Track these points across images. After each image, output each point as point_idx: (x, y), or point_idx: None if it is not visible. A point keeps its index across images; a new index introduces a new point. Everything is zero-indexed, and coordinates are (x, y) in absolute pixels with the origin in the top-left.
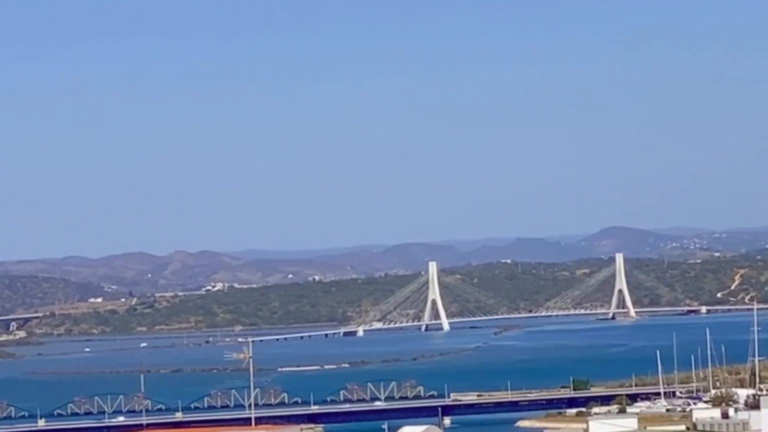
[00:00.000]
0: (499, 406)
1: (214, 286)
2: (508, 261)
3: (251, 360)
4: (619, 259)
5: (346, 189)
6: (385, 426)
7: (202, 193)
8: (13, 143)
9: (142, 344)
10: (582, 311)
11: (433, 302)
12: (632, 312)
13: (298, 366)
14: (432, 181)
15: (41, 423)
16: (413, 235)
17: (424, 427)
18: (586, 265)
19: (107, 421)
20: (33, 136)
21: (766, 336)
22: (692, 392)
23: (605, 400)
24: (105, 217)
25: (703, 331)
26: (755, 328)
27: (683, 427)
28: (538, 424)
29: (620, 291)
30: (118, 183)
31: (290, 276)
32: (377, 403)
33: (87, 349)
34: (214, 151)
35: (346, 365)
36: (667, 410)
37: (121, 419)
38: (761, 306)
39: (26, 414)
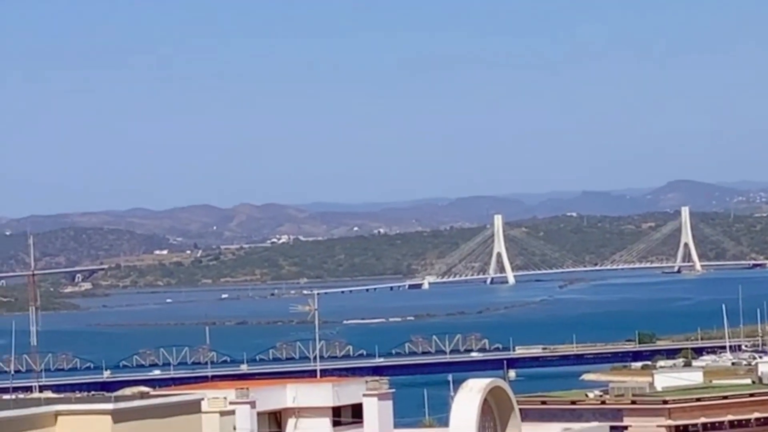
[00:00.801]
0: (564, 360)
1: (279, 239)
2: (574, 214)
3: (316, 312)
4: (685, 212)
5: (411, 141)
6: (449, 379)
7: (268, 145)
8: (80, 97)
9: (223, 295)
10: (647, 265)
11: (498, 255)
12: (698, 266)
13: (363, 318)
14: (498, 133)
15: (106, 374)
16: (479, 188)
17: (488, 380)
18: (651, 219)
19: (172, 373)
20: (103, 89)
21: None
22: (758, 346)
23: (670, 353)
24: (170, 169)
25: None
26: None
27: (749, 381)
28: (603, 378)
29: (686, 245)
30: (184, 135)
31: (355, 229)
32: (442, 355)
33: (168, 300)
34: (278, 103)
35: (411, 318)
36: (733, 364)
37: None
38: None
39: (91, 365)
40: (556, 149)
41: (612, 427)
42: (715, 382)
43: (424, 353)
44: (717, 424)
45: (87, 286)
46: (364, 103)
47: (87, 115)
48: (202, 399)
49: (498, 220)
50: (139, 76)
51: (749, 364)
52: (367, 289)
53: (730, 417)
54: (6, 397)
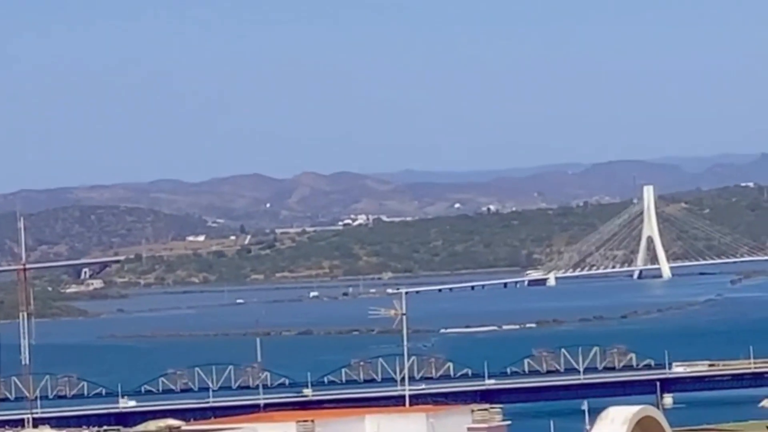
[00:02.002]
0: (738, 380)
1: (354, 220)
2: (750, 185)
3: (404, 318)
4: None
5: (531, 91)
6: (584, 406)
7: (337, 96)
8: (92, 50)
9: (238, 300)
10: None
11: (649, 240)
12: None
13: (468, 326)
14: (647, 82)
15: (123, 402)
16: (622, 152)
17: (637, 408)
18: None
19: (211, 400)
20: (124, 41)
21: None
22: None
23: None
24: (207, 129)
25: None
26: None
27: None
28: None
29: None
30: (227, 83)
31: (457, 206)
32: (574, 375)
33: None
34: (356, 43)
35: (533, 325)
36: None
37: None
38: None
39: (103, 391)
40: (725, 101)
41: None
42: None
43: (549, 372)
44: None
45: (97, 284)
46: (468, 45)
47: (92, 60)
48: None
49: (649, 193)
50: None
51: None
52: (473, 287)
53: None
54: None
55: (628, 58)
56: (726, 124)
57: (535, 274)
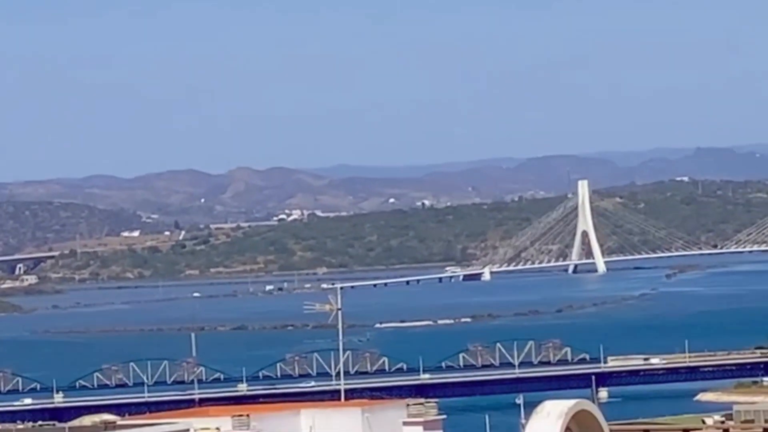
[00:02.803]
0: (673, 374)
1: (289, 215)
2: (685, 179)
3: (340, 313)
4: None
5: (461, 88)
6: (520, 401)
7: (272, 90)
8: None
9: (195, 293)
10: None
11: (584, 235)
12: None
13: (403, 321)
14: (578, 77)
15: (58, 398)
16: (556, 146)
17: (572, 402)
18: None
19: (146, 395)
20: (55, 34)
21: None
22: None
23: None
24: (141, 125)
25: None
26: None
27: None
28: (725, 398)
29: None
30: (161, 80)
31: (392, 200)
32: (509, 370)
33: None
34: (290, 36)
35: (468, 319)
36: None
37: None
38: None
39: (38, 386)
40: (658, 92)
41: None
42: None
43: (484, 367)
44: None
45: (32, 280)
46: (397, 36)
47: (27, 54)
48: (188, 431)
49: (584, 188)
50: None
51: None
52: (408, 282)
53: None
54: None
55: (562, 51)
56: (660, 119)
57: (471, 269)
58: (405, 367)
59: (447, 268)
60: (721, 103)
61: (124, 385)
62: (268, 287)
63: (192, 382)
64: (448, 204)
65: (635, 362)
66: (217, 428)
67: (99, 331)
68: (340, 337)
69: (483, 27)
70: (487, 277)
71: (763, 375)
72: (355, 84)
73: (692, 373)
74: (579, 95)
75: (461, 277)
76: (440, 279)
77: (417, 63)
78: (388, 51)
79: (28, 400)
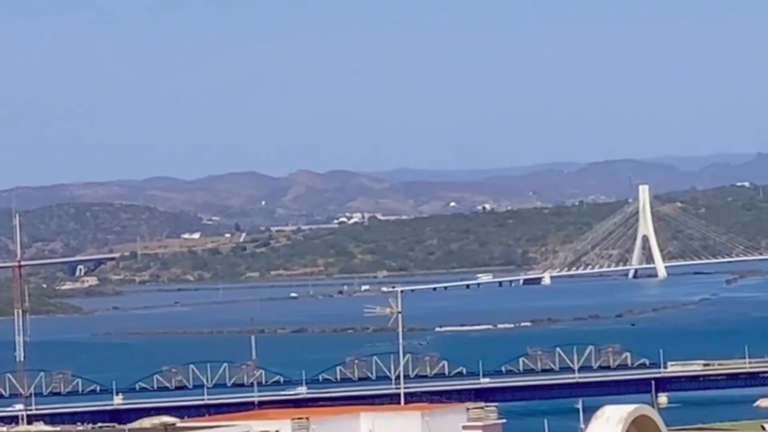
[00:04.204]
0: (733, 380)
1: (350, 218)
2: (746, 184)
3: (400, 316)
4: None
5: (525, 92)
6: (579, 405)
7: (332, 94)
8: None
9: (292, 294)
10: None
11: (645, 239)
12: None
13: (463, 325)
14: (643, 82)
15: (118, 400)
16: (617, 151)
17: (632, 407)
18: None
19: (206, 398)
20: (121, 38)
21: None
22: None
23: None
24: (201, 126)
25: None
26: None
27: None
28: None
29: None
30: (224, 81)
31: (452, 204)
32: (569, 374)
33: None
34: (350, 41)
35: (527, 324)
36: None
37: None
38: None
39: (98, 388)
40: (720, 97)
41: None
42: None
43: (544, 371)
44: None
45: (92, 281)
46: (462, 43)
47: (88, 56)
48: None
49: (644, 193)
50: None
51: None
52: (468, 286)
53: None
54: None
55: (624, 57)
56: (722, 124)
57: (484, 278)
58: (464, 371)
59: (478, 275)
60: None
61: (183, 388)
62: (311, 291)
63: (251, 385)
64: (509, 208)
65: (695, 367)
66: (277, 431)
67: (160, 333)
68: (401, 340)
69: (540, 29)
70: (547, 281)
71: None
72: (416, 87)
73: (752, 378)
74: (640, 99)
75: (521, 281)
76: (500, 283)
77: (476, 69)
78: (446, 57)
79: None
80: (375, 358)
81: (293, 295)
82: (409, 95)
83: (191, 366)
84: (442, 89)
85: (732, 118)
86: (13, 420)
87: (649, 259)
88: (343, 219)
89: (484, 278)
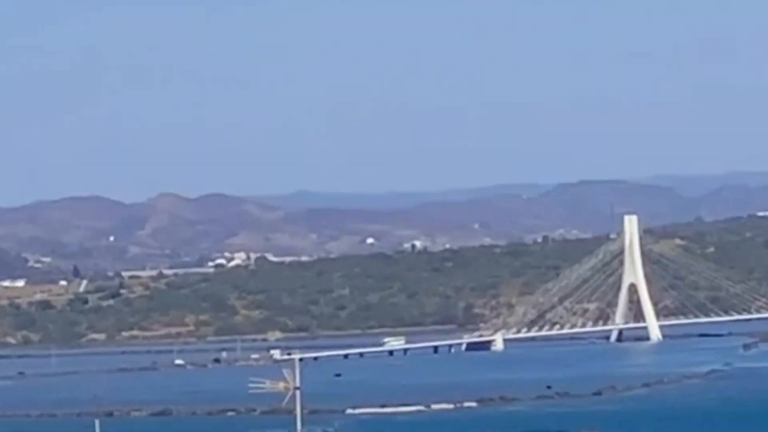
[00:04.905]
0: None
1: (230, 259)
2: None
3: (298, 393)
4: None
5: (466, 89)
6: None
7: (208, 95)
8: None
9: (104, 371)
10: None
11: (632, 289)
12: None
13: (384, 405)
14: (628, 73)
15: None
16: (595, 169)
17: None
18: None
19: None
20: None
21: None
22: None
23: None
24: (36, 139)
25: None
26: None
27: None
28: None
29: None
30: (60, 84)
31: (370, 241)
32: None
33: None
34: (237, 34)
35: (473, 404)
36: None
37: None
38: None
39: None
40: (734, 102)
41: None
42: None
43: None
44: None
45: None
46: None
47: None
48: None
49: (632, 225)
50: None
51: None
52: (392, 352)
53: None
54: None
55: (602, 45)
56: (736, 135)
57: (394, 343)
58: None
59: (386, 339)
60: None
61: None
62: (178, 361)
63: None
64: (447, 246)
65: None
66: None
67: None
68: (299, 426)
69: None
70: (499, 345)
71: None
72: (321, 88)
73: None
74: (626, 100)
75: (464, 346)
76: (436, 348)
77: (402, 60)
78: (355, 47)
79: None
80: None
81: (179, 362)
82: (311, 97)
83: None
84: (354, 88)
85: (749, 125)
86: None
87: (639, 316)
88: (221, 261)
89: (395, 344)
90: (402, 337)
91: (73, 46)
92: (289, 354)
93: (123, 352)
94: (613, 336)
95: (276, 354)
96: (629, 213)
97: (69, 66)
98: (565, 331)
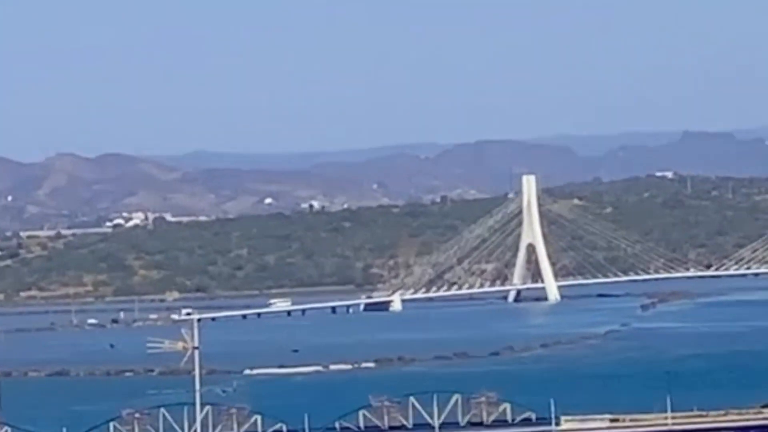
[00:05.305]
0: None
1: (128, 219)
2: (668, 174)
3: (197, 353)
4: None
5: (364, 48)
6: None
7: (102, 59)
8: None
9: (2, 332)
10: None
11: (530, 249)
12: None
13: (282, 366)
14: (524, 38)
15: None
16: (493, 129)
17: None
18: None
19: None
20: None
21: None
22: None
23: None
24: None
25: None
26: None
27: None
28: None
29: None
30: None
31: (268, 201)
32: None
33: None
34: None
35: (370, 364)
36: None
37: None
38: None
39: None
40: (633, 59)
41: None
42: None
43: (393, 429)
44: None
45: None
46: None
47: None
48: None
49: (530, 185)
50: None
51: None
52: (289, 313)
53: None
54: None
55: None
56: (635, 92)
57: (280, 304)
58: (285, 428)
59: (271, 301)
60: (717, 74)
61: None
62: (91, 320)
63: None
64: (345, 206)
65: (598, 424)
66: None
67: None
68: (197, 386)
69: None
70: (397, 306)
71: None
72: (211, 43)
73: None
74: (524, 61)
75: (362, 307)
76: (333, 309)
77: (295, 17)
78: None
79: None
80: (163, 410)
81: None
82: (206, 56)
83: None
84: (249, 48)
85: (649, 87)
86: None
87: (537, 276)
88: (119, 221)
89: (281, 305)
90: (288, 299)
91: None
92: (188, 314)
93: (21, 313)
94: (511, 296)
95: (174, 314)
96: (527, 173)
97: None
98: (463, 291)
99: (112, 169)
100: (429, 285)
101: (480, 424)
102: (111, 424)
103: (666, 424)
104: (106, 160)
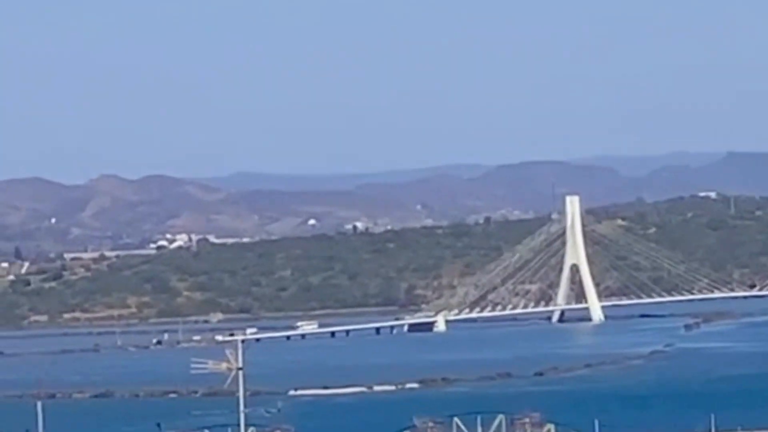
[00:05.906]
0: None
1: (172, 241)
2: (712, 195)
3: (240, 375)
4: None
5: (407, 71)
6: None
7: (145, 83)
8: None
9: (47, 353)
10: None
11: (574, 270)
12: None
13: (326, 387)
14: (574, 58)
15: None
16: (537, 150)
17: None
18: None
19: None
20: None
21: None
22: None
23: None
24: None
25: None
26: None
27: None
28: None
29: None
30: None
31: (312, 222)
32: None
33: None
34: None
35: (414, 385)
36: None
37: None
38: None
39: None
40: (677, 82)
41: None
42: None
43: None
44: None
45: None
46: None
47: None
48: None
49: (574, 206)
50: None
51: None
52: (333, 333)
53: None
54: None
55: (542, 30)
56: (679, 115)
57: (307, 327)
58: None
59: (299, 324)
60: (761, 94)
61: None
62: (119, 341)
63: None
64: (389, 227)
65: None
66: None
67: None
68: (241, 407)
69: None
70: (441, 327)
71: None
72: (256, 65)
73: None
74: (566, 79)
75: (406, 328)
76: (378, 330)
77: (343, 40)
78: (296, 26)
79: None
80: None
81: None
82: (250, 79)
83: None
84: (293, 71)
85: (693, 105)
86: None
87: (581, 297)
88: (163, 242)
89: (308, 328)
90: (315, 321)
91: None
92: (231, 335)
93: (65, 334)
94: (555, 317)
95: (218, 335)
96: (570, 194)
97: None
98: (507, 312)
99: (156, 190)
100: (473, 306)
101: None
102: None
103: None
104: (149, 181)
